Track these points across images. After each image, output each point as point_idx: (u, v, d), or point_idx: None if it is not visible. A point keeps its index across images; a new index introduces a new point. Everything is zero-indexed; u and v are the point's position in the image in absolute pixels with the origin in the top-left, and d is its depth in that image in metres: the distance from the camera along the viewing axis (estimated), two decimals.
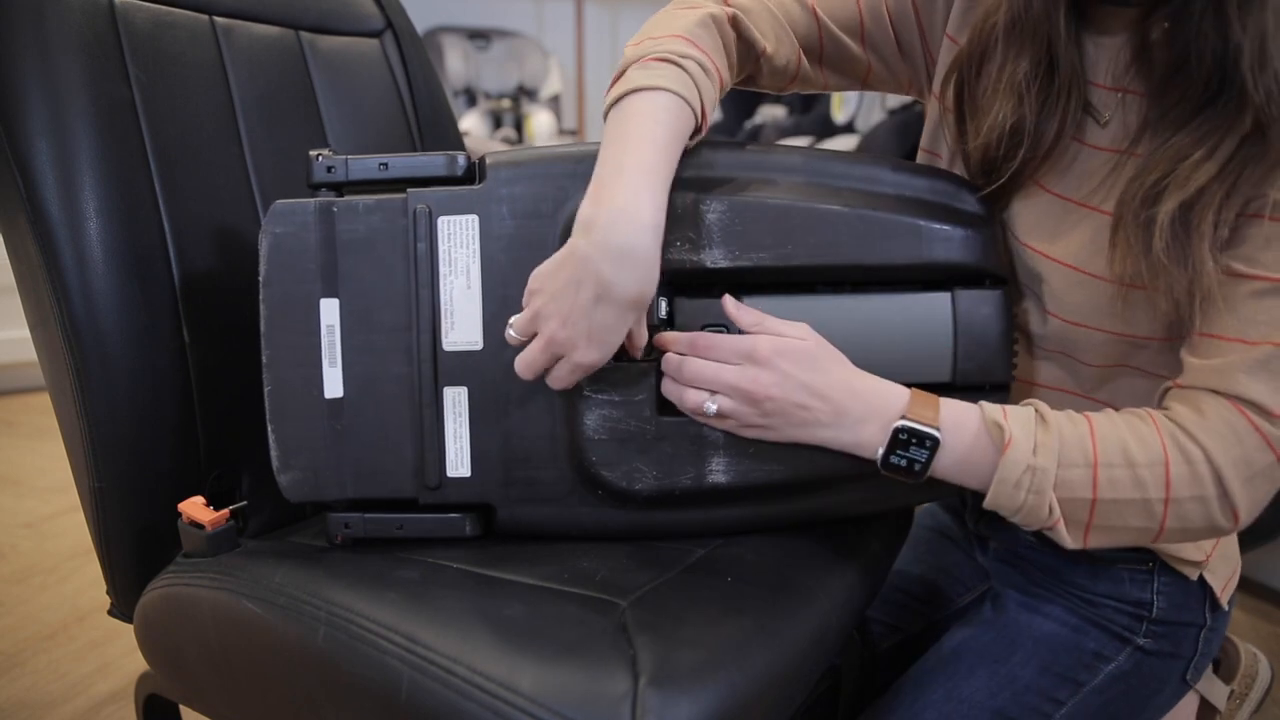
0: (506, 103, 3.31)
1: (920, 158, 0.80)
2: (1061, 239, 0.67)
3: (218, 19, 0.83)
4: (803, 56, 0.77)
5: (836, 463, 0.63)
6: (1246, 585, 1.46)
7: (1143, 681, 0.75)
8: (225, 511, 0.71)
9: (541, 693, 0.51)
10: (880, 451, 0.60)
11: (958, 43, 0.73)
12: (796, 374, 0.60)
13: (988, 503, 0.60)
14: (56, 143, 0.68)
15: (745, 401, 0.61)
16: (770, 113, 3.39)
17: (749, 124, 3.28)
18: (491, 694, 0.52)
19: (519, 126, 3.31)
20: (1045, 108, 0.66)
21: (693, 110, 0.63)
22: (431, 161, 0.67)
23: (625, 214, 0.58)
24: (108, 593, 0.78)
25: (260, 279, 0.66)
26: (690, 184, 0.65)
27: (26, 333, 0.76)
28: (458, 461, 0.67)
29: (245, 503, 0.78)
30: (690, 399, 0.63)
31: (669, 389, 0.64)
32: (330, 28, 0.95)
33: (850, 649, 0.86)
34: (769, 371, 0.60)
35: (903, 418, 0.60)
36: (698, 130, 0.64)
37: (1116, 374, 0.68)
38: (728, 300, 0.64)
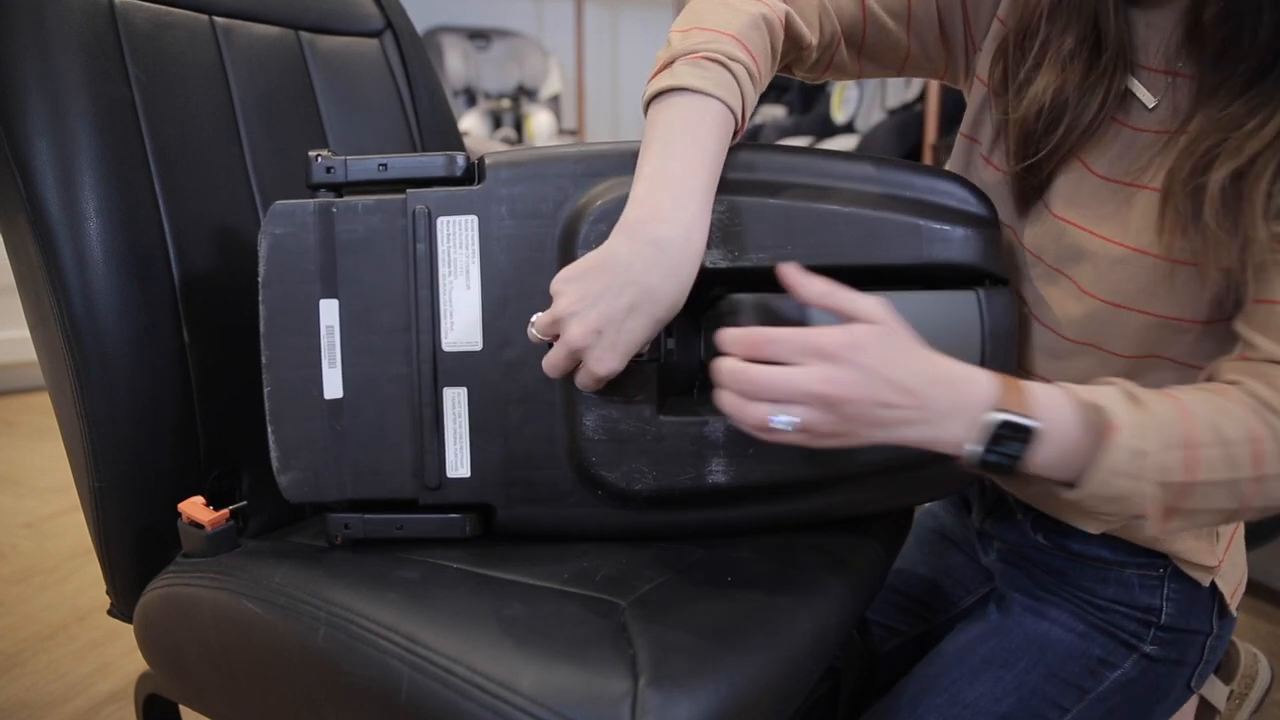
0: (506, 103, 3.31)
1: (959, 144, 0.79)
2: (1107, 216, 0.65)
3: (217, 19, 0.83)
4: (842, 45, 0.76)
5: (836, 463, 0.63)
6: (1247, 585, 1.46)
7: (1147, 689, 0.74)
8: (225, 511, 0.71)
9: (541, 693, 0.51)
10: (972, 449, 0.53)
11: (1006, 25, 0.72)
12: (877, 367, 0.51)
13: (1076, 494, 0.55)
14: (56, 143, 0.68)
15: (822, 408, 0.51)
16: (770, 113, 3.39)
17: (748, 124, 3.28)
18: (491, 694, 0.52)
19: (519, 126, 3.31)
20: (1088, 82, 0.65)
21: (736, 120, 0.63)
22: (431, 162, 0.67)
23: (676, 227, 0.57)
24: (107, 593, 0.78)
25: (259, 279, 0.66)
26: None
27: (26, 333, 0.76)
28: (457, 462, 0.67)
29: (245, 503, 0.78)
30: (754, 414, 0.52)
31: (728, 402, 0.53)
32: (330, 28, 0.95)
33: (850, 649, 0.86)
34: (846, 369, 0.51)
35: (996, 409, 0.53)
36: (733, 137, 0.64)
37: (1147, 367, 0.65)
38: (787, 268, 0.55)
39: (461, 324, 0.66)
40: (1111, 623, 0.74)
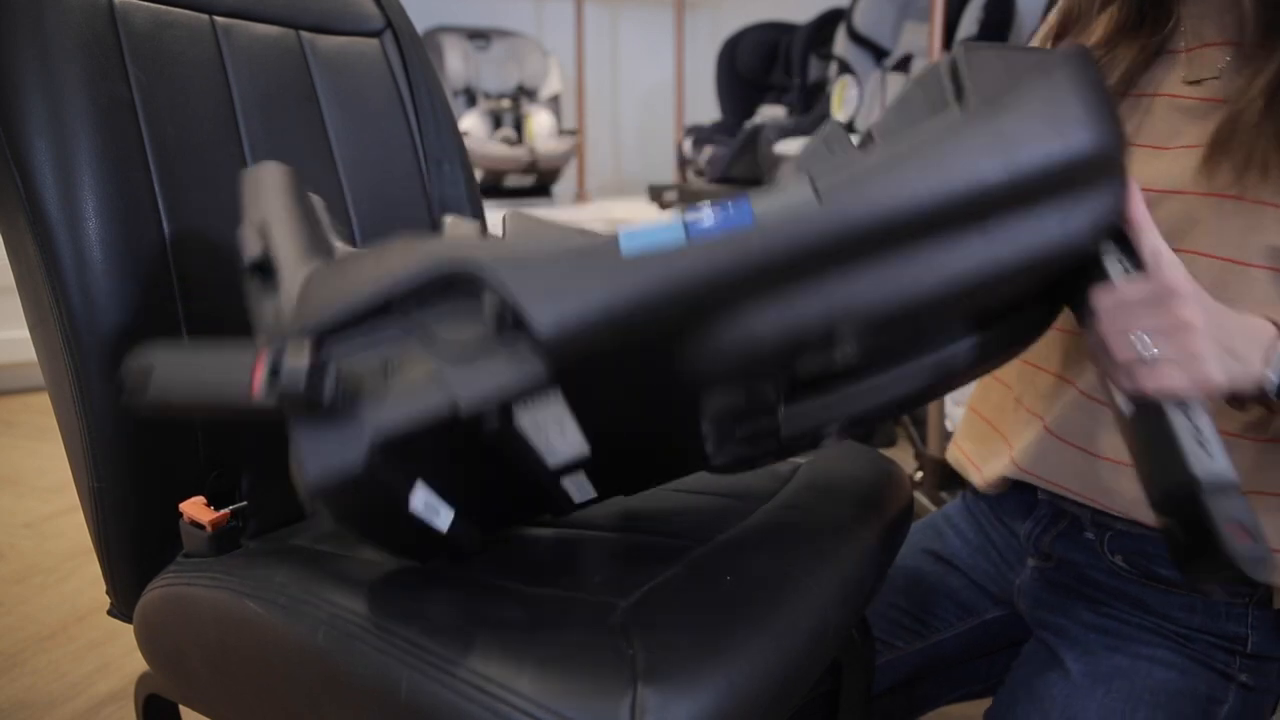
0: (506, 103, 3.31)
1: None
2: (1160, 173, 0.67)
3: (218, 18, 0.83)
4: None
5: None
6: None
7: None
8: (226, 511, 0.71)
9: (540, 693, 0.51)
10: (1275, 378, 0.56)
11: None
12: (1209, 305, 0.55)
13: None
14: (55, 142, 0.68)
15: (1180, 343, 0.53)
16: (770, 113, 3.39)
17: (749, 124, 3.28)
18: (491, 694, 0.52)
19: (519, 126, 3.31)
20: (1123, 40, 0.70)
21: None
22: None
23: None
24: (107, 593, 0.78)
25: None
26: None
27: (26, 333, 0.76)
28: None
29: (245, 503, 0.78)
30: (1118, 351, 0.55)
31: (1100, 358, 0.57)
32: (330, 27, 0.95)
33: (850, 648, 0.86)
34: (1188, 304, 0.53)
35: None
36: None
37: None
38: (1134, 197, 0.54)
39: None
40: (1204, 654, 0.71)
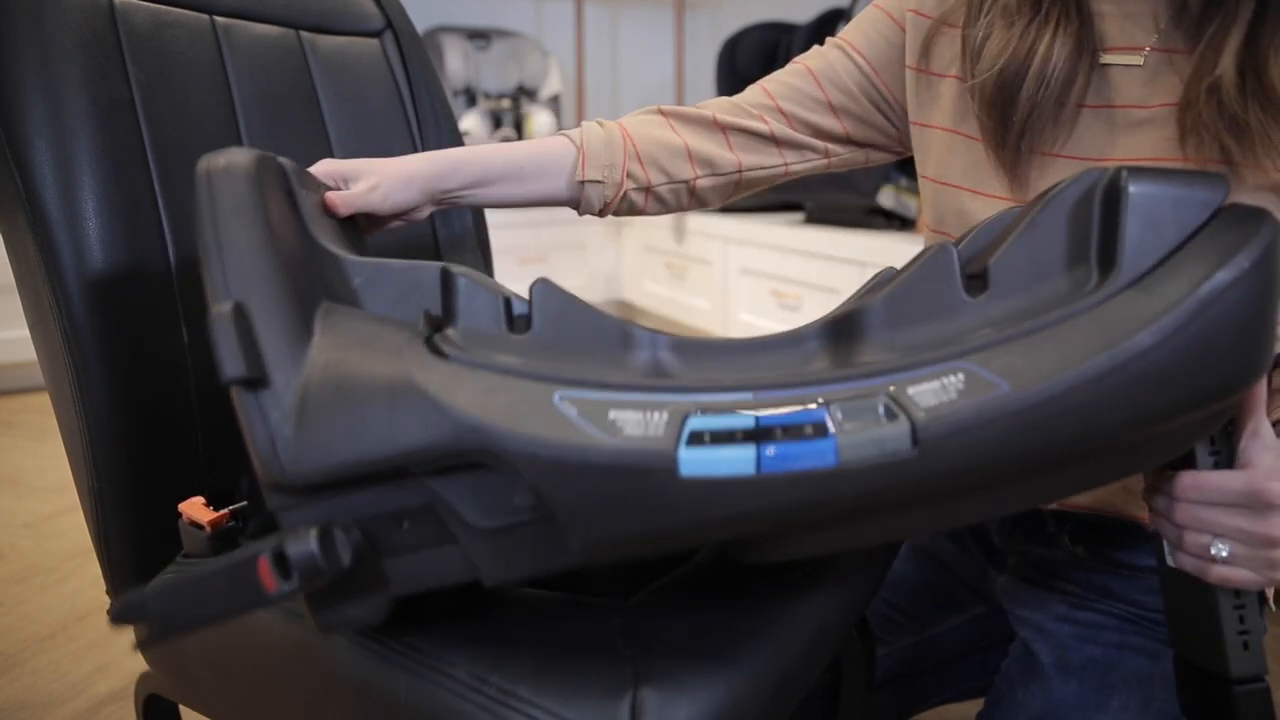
0: (506, 103, 3.31)
1: (927, 187, 0.77)
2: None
3: (218, 18, 0.83)
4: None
5: None
6: None
7: None
8: (226, 512, 0.71)
9: (540, 694, 0.51)
10: None
11: (918, 69, 0.75)
12: None
13: None
14: (55, 142, 0.68)
15: (1263, 551, 0.50)
16: None
17: None
18: (490, 695, 0.52)
19: (519, 126, 3.31)
20: (1039, 33, 0.66)
21: None
22: None
23: None
24: (107, 593, 0.78)
25: None
26: None
27: (26, 332, 0.76)
28: None
29: (245, 503, 0.78)
30: (1189, 541, 0.52)
31: (1165, 529, 0.55)
32: (330, 27, 0.95)
33: (851, 648, 0.86)
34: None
35: None
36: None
37: None
38: (1258, 400, 0.51)
39: None
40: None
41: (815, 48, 0.81)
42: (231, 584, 0.45)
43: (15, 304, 0.77)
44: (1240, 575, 0.51)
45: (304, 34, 0.91)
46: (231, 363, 0.45)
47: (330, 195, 0.68)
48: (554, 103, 3.41)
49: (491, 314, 0.52)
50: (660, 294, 3.12)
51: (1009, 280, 0.49)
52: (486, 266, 1.05)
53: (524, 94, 3.37)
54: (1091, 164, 0.65)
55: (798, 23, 2.90)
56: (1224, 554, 0.51)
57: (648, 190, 0.77)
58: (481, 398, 0.44)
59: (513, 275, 3.04)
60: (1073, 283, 0.48)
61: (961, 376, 0.43)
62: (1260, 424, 0.51)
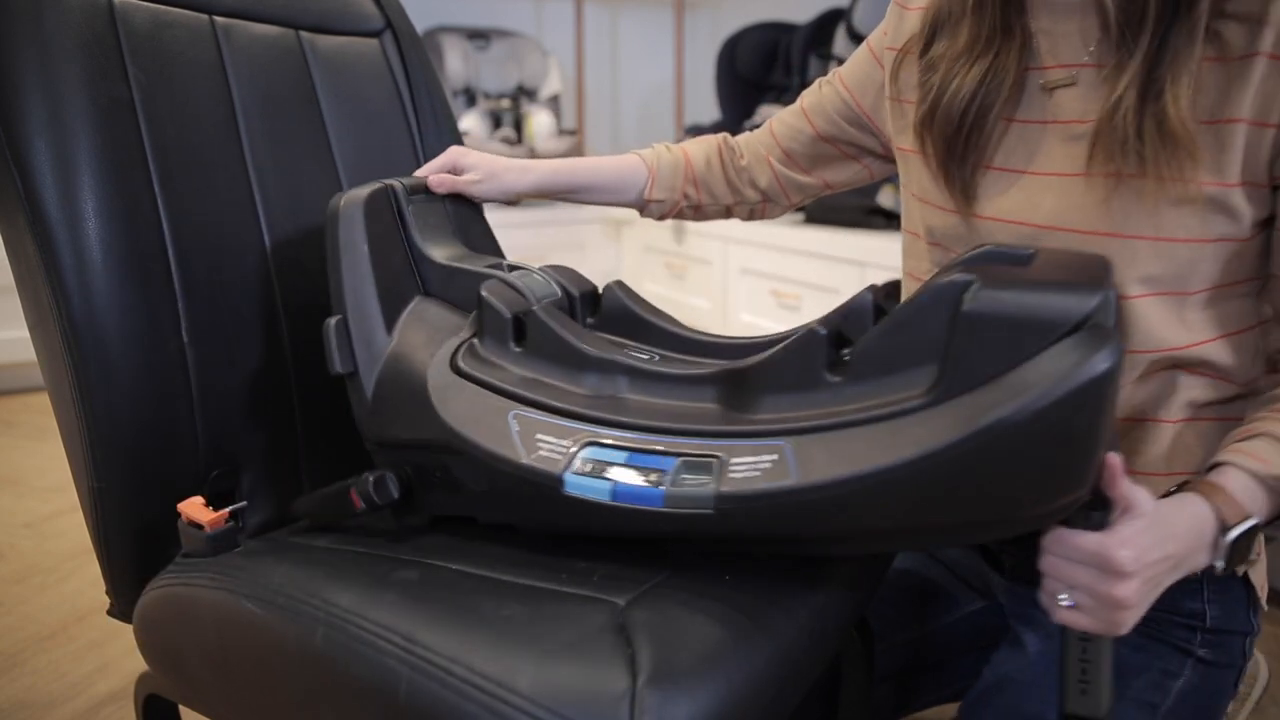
0: (506, 103, 3.30)
1: (907, 202, 0.82)
2: (1034, 204, 0.69)
3: (217, 18, 0.83)
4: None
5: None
6: None
7: (1209, 695, 0.73)
8: (225, 511, 0.71)
9: (540, 692, 0.51)
10: (1220, 565, 0.59)
11: (893, 98, 0.81)
12: (1151, 566, 0.56)
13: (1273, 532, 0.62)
14: (55, 142, 0.68)
15: (1105, 607, 0.56)
16: (770, 113, 3.39)
17: (749, 124, 3.28)
18: (490, 694, 0.52)
19: (518, 126, 3.31)
20: (981, 67, 0.70)
21: None
22: None
23: None
24: (107, 593, 0.78)
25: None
26: None
27: (26, 333, 0.76)
28: None
29: (245, 503, 0.78)
30: (1046, 588, 0.58)
31: (1047, 567, 0.59)
32: (330, 27, 0.95)
33: (850, 647, 0.86)
34: (1128, 583, 0.55)
35: (1223, 529, 0.59)
36: None
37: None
38: (1114, 459, 0.55)
39: None
40: (1162, 631, 0.73)
41: (815, 84, 0.94)
42: (338, 501, 0.70)
43: (15, 304, 0.77)
44: (1084, 621, 0.56)
45: (304, 34, 0.91)
46: (337, 361, 0.72)
47: (435, 177, 0.85)
48: (554, 103, 3.40)
49: (504, 331, 0.68)
50: (660, 294, 3.12)
51: (865, 369, 0.55)
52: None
53: (524, 94, 3.37)
54: (1035, 177, 0.69)
55: (798, 23, 2.90)
56: (1068, 604, 0.56)
57: (697, 207, 0.97)
58: (463, 409, 0.65)
59: None
60: (917, 382, 0.52)
61: (775, 456, 0.55)
62: (1131, 493, 0.55)
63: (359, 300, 0.72)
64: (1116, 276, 0.65)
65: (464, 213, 0.87)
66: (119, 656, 1.28)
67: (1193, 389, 0.68)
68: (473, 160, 0.88)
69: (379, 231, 0.75)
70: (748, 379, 0.59)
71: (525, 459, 0.60)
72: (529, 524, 0.67)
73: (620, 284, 0.76)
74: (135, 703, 0.81)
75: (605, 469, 0.59)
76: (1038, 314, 0.49)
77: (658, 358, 0.70)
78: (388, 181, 0.79)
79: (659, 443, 0.59)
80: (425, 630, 0.57)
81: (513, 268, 0.77)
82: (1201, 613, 0.72)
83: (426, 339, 0.71)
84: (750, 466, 0.55)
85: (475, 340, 0.70)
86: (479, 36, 3.34)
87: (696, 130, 3.33)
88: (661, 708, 0.50)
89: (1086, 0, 0.66)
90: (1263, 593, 0.75)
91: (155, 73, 0.76)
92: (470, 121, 3.17)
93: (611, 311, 0.76)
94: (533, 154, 3.15)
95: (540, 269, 0.77)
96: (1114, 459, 0.54)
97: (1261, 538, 0.76)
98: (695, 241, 2.87)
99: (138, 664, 0.80)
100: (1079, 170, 0.67)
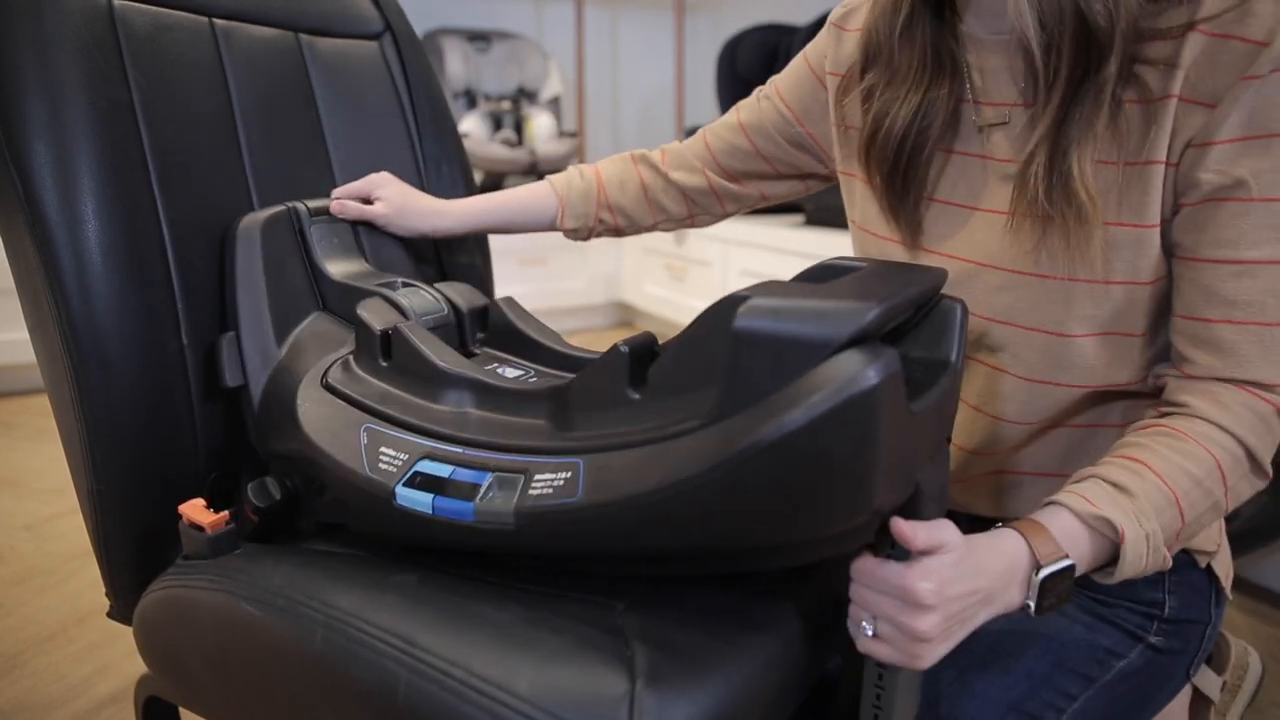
0: (506, 105, 3.31)
1: (853, 231, 0.83)
2: (975, 242, 0.71)
3: (217, 21, 0.83)
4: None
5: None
6: (1245, 586, 1.46)
7: (1151, 678, 0.75)
8: (225, 514, 0.71)
9: (538, 694, 0.51)
10: (1032, 604, 0.59)
11: (838, 125, 0.81)
12: (954, 600, 0.56)
13: (1112, 579, 0.62)
14: (55, 145, 0.68)
15: (905, 638, 0.56)
16: None
17: None
18: (489, 696, 0.52)
19: (519, 128, 3.31)
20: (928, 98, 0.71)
21: None
22: None
23: None
24: (107, 595, 0.78)
25: None
26: None
27: (26, 335, 0.76)
28: None
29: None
30: (851, 615, 0.59)
31: (857, 597, 0.59)
32: (329, 30, 0.95)
33: (851, 645, 0.86)
34: (928, 616, 0.55)
35: (1036, 566, 0.58)
36: None
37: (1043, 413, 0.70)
38: (898, 522, 0.55)
39: None
40: (1118, 616, 0.75)
41: (752, 96, 0.93)
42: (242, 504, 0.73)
43: (15, 307, 0.77)
44: (885, 652, 0.56)
45: (303, 36, 0.92)
46: (226, 375, 0.75)
47: (337, 202, 0.86)
48: (554, 104, 3.41)
49: (374, 346, 0.70)
50: (660, 296, 3.12)
51: (662, 386, 0.55)
52: (485, 266, 1.06)
53: (524, 96, 3.37)
54: (979, 214, 0.71)
55: (798, 24, 2.90)
56: (870, 632, 0.56)
57: (615, 229, 0.97)
58: (321, 422, 0.67)
59: (512, 276, 3.04)
60: (704, 401, 0.52)
61: (569, 474, 0.56)
62: (934, 535, 0.55)
63: (252, 316, 0.76)
64: (1056, 315, 0.66)
65: (377, 232, 0.88)
66: (119, 658, 1.28)
67: (1135, 408, 0.71)
68: (390, 192, 0.89)
69: (276, 251, 0.78)
70: (566, 396, 0.60)
71: (365, 471, 0.63)
72: (379, 535, 0.69)
73: (509, 300, 0.77)
74: (135, 705, 0.81)
75: (431, 483, 0.60)
76: (799, 332, 0.47)
77: (533, 375, 0.70)
78: (292, 204, 0.81)
79: (487, 459, 0.60)
80: (424, 632, 0.57)
81: (406, 284, 0.78)
82: (1161, 602, 0.74)
83: (313, 353, 0.74)
84: (547, 484, 0.56)
85: (351, 356, 0.72)
86: (479, 38, 3.35)
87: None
88: (660, 710, 0.50)
89: (1012, 40, 0.67)
90: (1227, 583, 0.77)
91: (155, 75, 0.76)
92: (471, 123, 3.17)
93: (497, 328, 0.77)
94: (533, 155, 3.14)
95: (436, 286, 0.78)
96: (899, 523, 0.54)
97: (1221, 526, 0.78)
98: (695, 243, 2.88)
99: (138, 666, 0.80)
100: (1012, 209, 0.67)
